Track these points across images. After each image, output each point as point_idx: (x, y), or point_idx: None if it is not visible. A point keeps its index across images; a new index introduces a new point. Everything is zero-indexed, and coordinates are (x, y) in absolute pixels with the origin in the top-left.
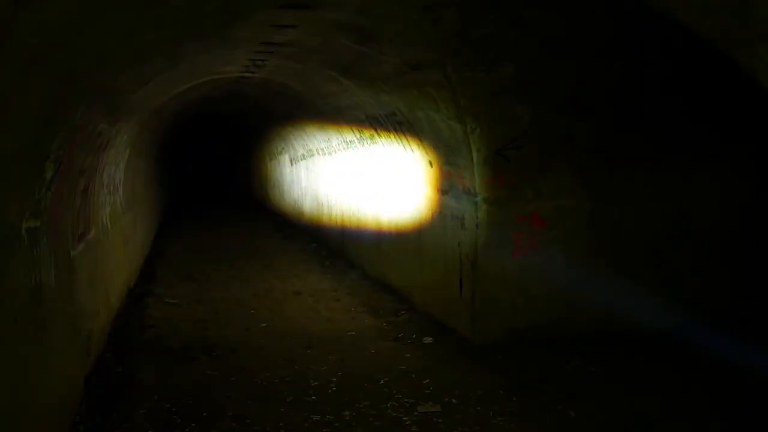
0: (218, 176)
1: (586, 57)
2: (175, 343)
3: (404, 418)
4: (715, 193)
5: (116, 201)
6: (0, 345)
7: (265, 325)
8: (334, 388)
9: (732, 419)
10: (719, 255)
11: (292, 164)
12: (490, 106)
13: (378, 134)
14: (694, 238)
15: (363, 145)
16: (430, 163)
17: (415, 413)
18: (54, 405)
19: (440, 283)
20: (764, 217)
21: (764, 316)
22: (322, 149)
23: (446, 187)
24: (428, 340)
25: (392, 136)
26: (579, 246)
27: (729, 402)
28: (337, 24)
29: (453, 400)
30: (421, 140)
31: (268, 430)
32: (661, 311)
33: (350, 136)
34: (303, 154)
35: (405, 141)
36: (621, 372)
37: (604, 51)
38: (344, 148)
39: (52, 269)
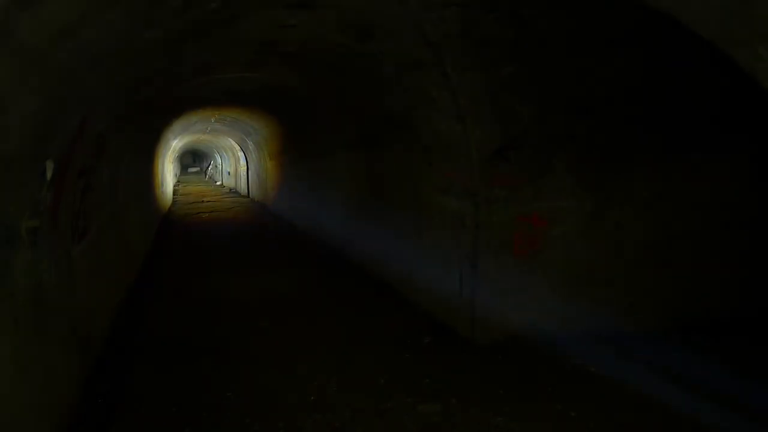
0: None
1: (586, 57)
2: None
3: (404, 418)
4: (716, 194)
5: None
6: (1, 345)
7: None
8: None
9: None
10: (721, 256)
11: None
12: (490, 106)
13: (378, 134)
14: (695, 239)
15: (363, 144)
16: (430, 163)
17: (415, 413)
18: (54, 405)
19: (440, 283)
20: (765, 217)
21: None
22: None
23: (446, 187)
24: (428, 339)
25: (392, 136)
26: (579, 246)
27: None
28: (337, 23)
29: (453, 400)
30: (421, 140)
31: None
32: (661, 312)
33: (351, 136)
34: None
35: (405, 141)
36: (621, 372)
37: (604, 51)
38: (345, 150)
39: (52, 269)
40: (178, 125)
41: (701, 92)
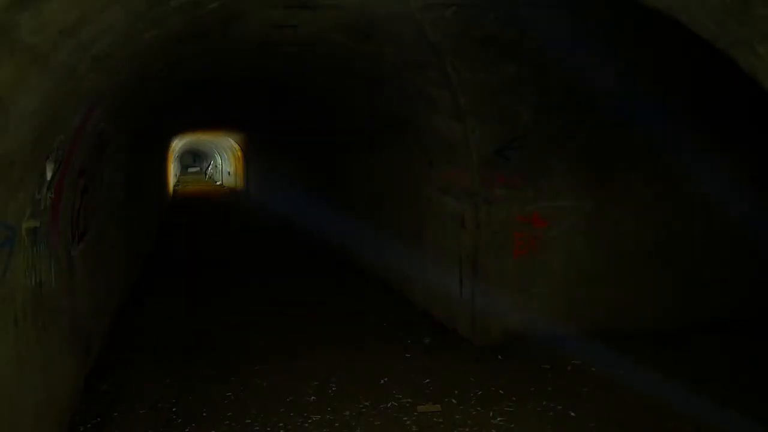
0: None
1: (586, 56)
2: None
3: (404, 418)
4: (715, 194)
5: None
6: (1, 345)
7: None
8: None
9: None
10: (721, 256)
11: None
12: (490, 106)
13: (378, 135)
14: (696, 239)
15: (363, 144)
16: (430, 163)
17: (415, 413)
18: (54, 405)
19: (440, 283)
20: (765, 217)
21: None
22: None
23: (446, 187)
24: (428, 340)
25: (392, 136)
26: (579, 246)
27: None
28: (338, 24)
29: (453, 400)
30: (421, 140)
31: None
32: (661, 312)
33: (351, 136)
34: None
35: (405, 141)
36: (620, 372)
37: (603, 51)
38: (345, 150)
39: (52, 269)
40: (177, 124)
41: (702, 92)
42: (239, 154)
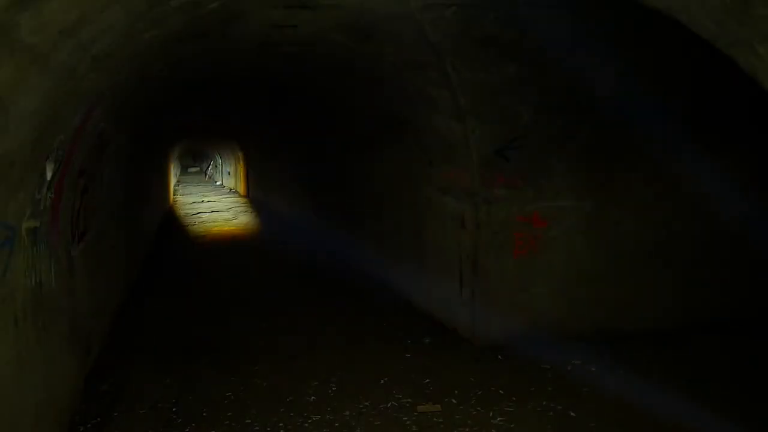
0: None
1: (586, 57)
2: None
3: (404, 418)
4: (715, 194)
5: None
6: (1, 345)
7: None
8: None
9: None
10: (721, 256)
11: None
12: (490, 106)
13: (378, 135)
14: (696, 239)
15: (363, 144)
16: (430, 163)
17: (415, 413)
18: (54, 405)
19: (440, 283)
20: (765, 217)
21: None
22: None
23: (446, 187)
24: (428, 340)
25: (392, 136)
26: (579, 246)
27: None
28: (338, 24)
29: (453, 400)
30: (421, 140)
31: None
32: (661, 312)
33: (351, 136)
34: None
35: (405, 141)
36: (620, 372)
37: (603, 51)
38: (345, 150)
39: (52, 269)
40: (177, 125)
41: (702, 92)
42: (239, 153)
